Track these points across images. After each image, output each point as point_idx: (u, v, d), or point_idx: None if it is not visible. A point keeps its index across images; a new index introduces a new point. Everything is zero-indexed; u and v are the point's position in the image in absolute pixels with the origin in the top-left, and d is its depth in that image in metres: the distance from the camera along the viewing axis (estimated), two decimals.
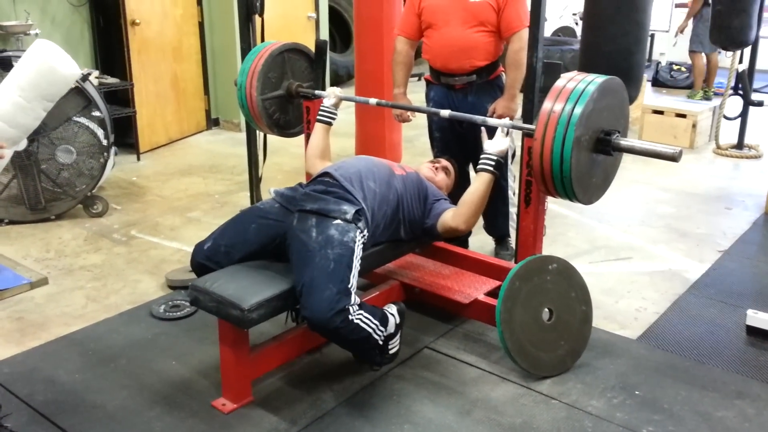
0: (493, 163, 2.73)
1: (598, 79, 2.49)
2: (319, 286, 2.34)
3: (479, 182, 2.74)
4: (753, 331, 3.02)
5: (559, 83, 2.52)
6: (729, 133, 6.14)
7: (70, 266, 3.73)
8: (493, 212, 3.63)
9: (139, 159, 5.63)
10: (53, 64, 2.25)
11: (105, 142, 4.37)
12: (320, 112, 3.20)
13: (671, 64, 8.79)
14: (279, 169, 5.22)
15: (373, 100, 3.21)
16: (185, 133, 6.24)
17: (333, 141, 3.25)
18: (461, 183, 3.69)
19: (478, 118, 2.82)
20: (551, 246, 3.99)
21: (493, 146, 2.74)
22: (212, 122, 6.52)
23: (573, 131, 2.40)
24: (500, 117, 3.14)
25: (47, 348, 2.94)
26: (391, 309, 2.64)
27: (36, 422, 2.46)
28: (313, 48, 3.50)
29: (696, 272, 3.67)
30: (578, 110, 2.41)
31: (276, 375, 2.72)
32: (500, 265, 3.16)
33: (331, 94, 3.20)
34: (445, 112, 2.99)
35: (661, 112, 6.31)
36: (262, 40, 3.72)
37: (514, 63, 3.24)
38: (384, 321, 2.53)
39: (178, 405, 2.56)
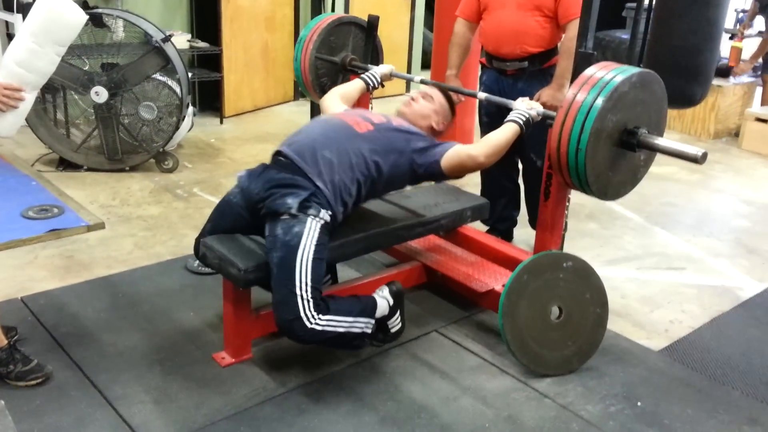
0: (523, 117, 2.61)
1: (629, 70, 2.36)
2: (274, 292, 2.37)
3: (505, 128, 2.61)
4: None
5: (587, 72, 2.41)
6: None
7: (129, 215, 3.96)
8: (537, 206, 3.52)
9: (222, 122, 5.86)
10: (60, 10, 2.42)
11: (181, 102, 4.59)
12: (366, 73, 3.14)
13: None
14: None
15: (417, 78, 3.18)
16: (271, 102, 6.42)
17: None
18: (507, 171, 3.64)
19: (511, 102, 2.74)
20: (601, 247, 3.86)
21: (524, 106, 2.65)
22: (299, 93, 6.66)
23: (592, 122, 2.30)
24: (544, 105, 3.03)
25: (84, 286, 3.15)
26: (383, 292, 2.60)
27: (51, 350, 2.65)
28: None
29: (750, 291, 3.43)
30: (600, 101, 2.30)
31: (280, 337, 2.78)
32: None
33: (385, 67, 3.20)
34: (482, 95, 2.93)
35: (764, 121, 5.87)
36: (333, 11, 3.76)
37: (567, 51, 3.12)
38: (367, 311, 2.48)
39: (182, 352, 2.69)
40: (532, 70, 3.30)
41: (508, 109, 2.71)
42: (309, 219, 2.40)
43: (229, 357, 2.64)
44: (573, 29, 3.11)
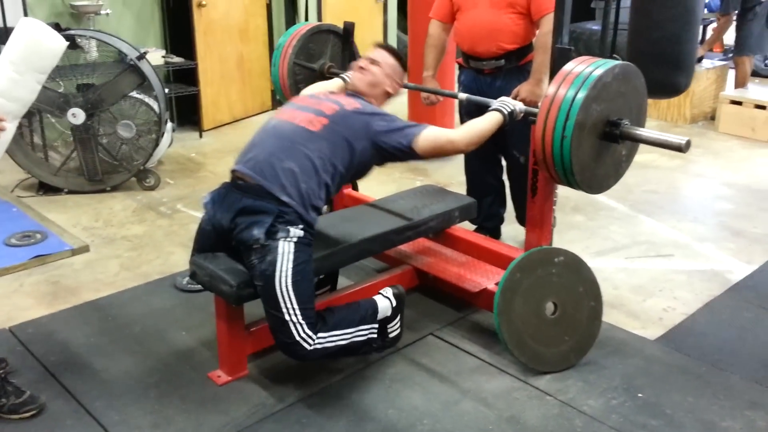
0: (508, 108, 2.57)
1: (608, 64, 2.37)
2: (267, 319, 2.36)
3: (488, 116, 2.56)
4: None
5: (567, 67, 2.41)
6: None
7: (113, 236, 3.91)
8: (525, 202, 3.52)
9: (201, 136, 5.81)
10: (39, 37, 2.37)
11: (159, 119, 4.54)
12: (345, 73, 3.04)
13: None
14: None
15: None
16: (249, 113, 6.38)
17: None
18: (492, 169, 3.64)
19: (492, 101, 2.74)
20: (589, 239, 3.87)
21: (509, 99, 2.64)
22: (278, 102, 6.62)
23: (575, 116, 2.30)
24: (523, 101, 3.04)
25: (72, 312, 3.10)
26: (387, 293, 2.58)
27: (43, 380, 2.60)
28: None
29: (740, 274, 3.45)
30: (581, 95, 2.30)
31: (276, 351, 2.75)
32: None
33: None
34: (462, 96, 2.92)
35: (739, 103, 5.92)
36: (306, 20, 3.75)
37: (542, 46, 3.12)
38: (368, 317, 2.46)
39: (176, 373, 2.65)
40: (509, 68, 3.30)
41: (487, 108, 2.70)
42: (280, 243, 2.31)
43: (225, 375, 2.61)
44: (547, 24, 3.11)
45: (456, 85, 3.59)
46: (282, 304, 2.29)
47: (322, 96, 2.67)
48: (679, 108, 6.35)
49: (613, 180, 2.57)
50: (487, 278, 2.97)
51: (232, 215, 2.39)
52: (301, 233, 2.36)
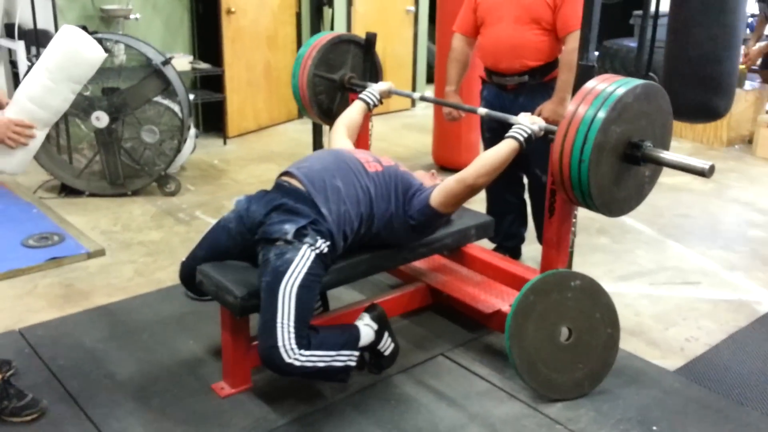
0: (525, 134, 2.50)
1: (632, 83, 2.28)
2: (260, 320, 2.29)
3: (504, 146, 2.50)
4: None
5: (588, 85, 2.33)
6: None
7: (130, 240, 3.91)
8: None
9: (225, 143, 5.82)
10: (78, 47, 2.34)
11: (182, 124, 4.54)
12: (364, 92, 3.08)
13: None
14: None
15: (416, 95, 3.12)
16: (275, 121, 6.38)
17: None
18: (513, 187, 3.56)
19: (512, 117, 2.66)
20: (613, 263, 3.76)
21: (527, 120, 2.54)
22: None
23: (594, 136, 2.21)
24: (545, 120, 2.96)
25: (83, 316, 3.09)
26: (365, 319, 2.51)
27: (48, 384, 2.58)
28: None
29: None
30: (602, 112, 2.22)
31: None
32: None
33: (383, 84, 3.13)
34: (482, 111, 2.86)
35: None
36: (332, 29, 3.72)
37: (567, 64, 3.04)
38: (350, 343, 2.39)
39: (180, 383, 2.61)
40: (532, 84, 3.22)
41: (511, 125, 2.63)
42: (304, 247, 2.31)
43: (228, 387, 2.57)
44: (572, 42, 3.03)
45: (480, 100, 3.51)
46: (279, 305, 2.24)
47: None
48: (715, 130, 6.19)
49: (635, 202, 2.48)
50: (501, 299, 2.89)
51: (268, 210, 2.41)
52: (325, 249, 2.36)
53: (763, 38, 6.59)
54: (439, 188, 2.54)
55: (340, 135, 2.92)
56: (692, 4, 3.13)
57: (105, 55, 2.43)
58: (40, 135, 2.38)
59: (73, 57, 2.35)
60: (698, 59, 3.14)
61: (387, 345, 2.54)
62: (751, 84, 6.40)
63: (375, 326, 2.50)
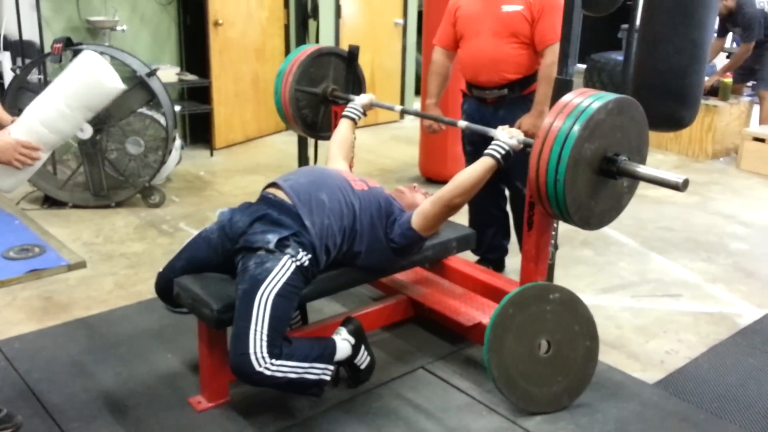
0: (502, 151, 2.51)
1: (607, 96, 2.29)
2: (233, 327, 2.27)
3: (480, 164, 2.51)
4: None
5: (564, 99, 2.34)
6: None
7: (112, 252, 3.89)
8: None
9: (212, 155, 5.81)
10: (99, 77, 2.34)
11: (167, 136, 4.53)
12: (347, 108, 3.12)
13: None
14: None
15: (398, 107, 3.13)
16: (263, 132, 6.38)
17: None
18: (495, 200, 3.56)
19: (491, 130, 2.67)
20: (596, 275, 3.76)
21: (505, 136, 2.55)
22: None
23: (569, 150, 2.22)
24: (525, 133, 2.96)
25: (61, 329, 3.06)
26: (342, 333, 2.51)
27: (23, 398, 2.55)
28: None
29: (749, 318, 3.32)
30: (576, 129, 2.22)
31: None
32: None
33: (365, 97, 3.15)
34: (462, 124, 2.86)
35: (762, 140, 5.78)
36: (317, 42, 3.72)
37: (545, 77, 3.06)
38: (325, 356, 2.37)
39: (157, 397, 2.59)
40: (512, 98, 3.24)
41: (492, 138, 2.64)
42: (285, 257, 2.32)
43: (205, 401, 2.55)
44: (551, 55, 3.05)
45: (461, 114, 3.52)
46: (254, 313, 2.22)
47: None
48: (700, 143, 6.23)
49: (615, 213, 2.48)
50: (482, 312, 2.88)
51: (252, 220, 2.43)
52: (306, 262, 2.37)
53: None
54: (418, 211, 2.58)
55: (335, 158, 2.98)
56: (661, 19, 3.19)
57: (123, 86, 2.45)
58: (44, 157, 2.38)
59: (93, 86, 2.36)
60: (666, 72, 3.19)
61: (363, 359, 2.53)
62: (736, 98, 6.41)
63: (352, 340, 2.50)
